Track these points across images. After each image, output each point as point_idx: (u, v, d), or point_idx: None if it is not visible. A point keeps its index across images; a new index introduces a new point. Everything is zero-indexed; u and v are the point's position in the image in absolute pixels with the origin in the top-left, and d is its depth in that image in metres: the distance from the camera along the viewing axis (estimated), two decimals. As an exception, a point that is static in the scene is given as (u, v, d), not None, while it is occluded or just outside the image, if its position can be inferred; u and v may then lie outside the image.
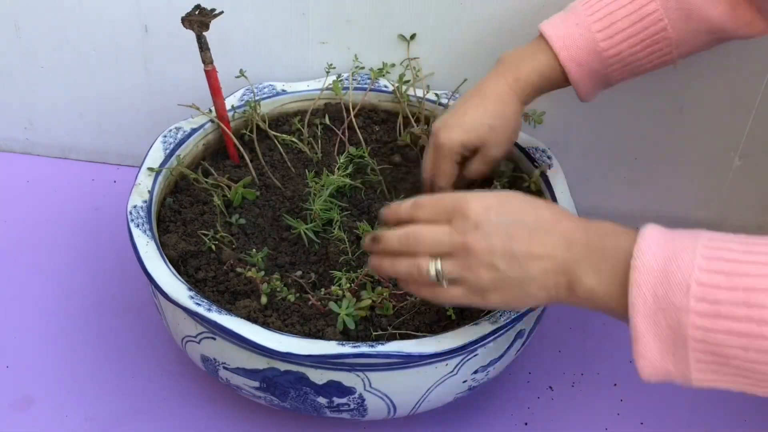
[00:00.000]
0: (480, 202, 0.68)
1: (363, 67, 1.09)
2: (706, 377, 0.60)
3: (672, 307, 0.58)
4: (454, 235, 0.68)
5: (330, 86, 1.06)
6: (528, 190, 0.96)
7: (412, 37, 1.07)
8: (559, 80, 0.88)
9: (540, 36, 0.88)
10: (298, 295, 0.82)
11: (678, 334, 0.59)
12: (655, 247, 0.60)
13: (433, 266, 0.68)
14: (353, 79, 1.07)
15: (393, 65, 1.08)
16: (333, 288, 0.81)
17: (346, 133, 1.03)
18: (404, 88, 1.06)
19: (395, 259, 0.71)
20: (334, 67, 1.07)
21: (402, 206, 0.73)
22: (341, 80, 1.06)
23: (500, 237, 0.66)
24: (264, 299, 0.81)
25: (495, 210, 0.67)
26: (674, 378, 0.61)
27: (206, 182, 0.94)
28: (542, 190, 0.95)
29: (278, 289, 0.81)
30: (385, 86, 1.07)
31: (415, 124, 1.04)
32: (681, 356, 0.59)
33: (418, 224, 0.70)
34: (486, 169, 0.90)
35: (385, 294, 0.81)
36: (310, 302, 0.81)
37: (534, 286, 0.67)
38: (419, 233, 0.69)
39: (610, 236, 0.65)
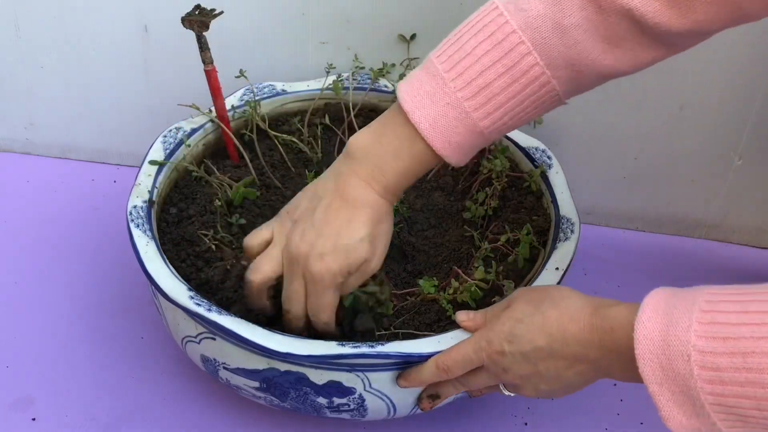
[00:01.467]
0: (493, 349, 0.72)
1: (363, 67, 1.09)
2: (737, 431, 0.60)
3: (679, 375, 0.59)
4: (494, 378, 0.75)
5: (330, 86, 1.06)
6: (528, 190, 0.96)
7: (412, 37, 1.07)
8: (431, 165, 0.74)
9: (400, 110, 0.72)
10: None
11: (694, 399, 0.59)
12: (654, 318, 0.61)
13: (505, 391, 0.78)
14: (353, 79, 1.07)
15: (393, 65, 1.08)
16: None
17: (346, 133, 1.03)
18: None
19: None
20: (334, 67, 1.07)
21: (425, 373, 0.76)
22: (341, 80, 1.06)
23: (527, 368, 0.71)
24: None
25: (508, 348, 0.71)
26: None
27: (210, 180, 0.94)
28: (542, 190, 0.95)
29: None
30: (386, 86, 1.07)
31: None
32: (705, 417, 0.60)
33: (454, 379, 0.77)
34: (362, 280, 0.77)
35: (385, 297, 0.81)
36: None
37: (578, 384, 0.72)
38: (468, 383, 0.77)
39: (617, 328, 0.66)
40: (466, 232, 0.92)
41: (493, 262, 0.86)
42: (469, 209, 0.95)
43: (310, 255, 0.73)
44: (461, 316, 0.78)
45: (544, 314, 0.70)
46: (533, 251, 0.88)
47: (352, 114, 1.04)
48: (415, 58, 1.08)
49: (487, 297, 0.84)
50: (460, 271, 0.82)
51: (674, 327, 0.60)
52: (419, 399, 0.80)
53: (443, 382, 0.78)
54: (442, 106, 0.70)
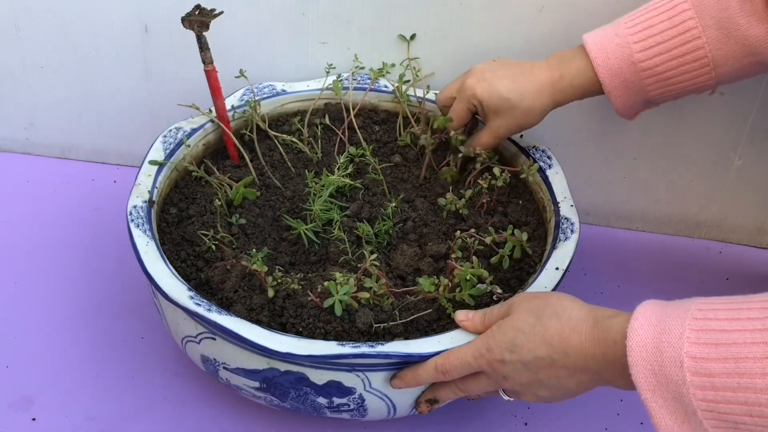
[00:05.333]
0: (494, 357, 0.73)
1: (363, 67, 1.09)
2: None
3: (671, 381, 0.60)
4: (493, 384, 0.76)
5: (330, 86, 1.06)
6: (521, 187, 0.96)
7: (412, 37, 1.07)
8: (595, 88, 0.90)
9: (582, 45, 0.90)
10: (300, 286, 0.82)
11: (686, 406, 0.60)
12: (646, 326, 0.63)
13: (505, 396, 0.78)
14: (353, 79, 1.07)
15: (393, 65, 1.08)
16: (337, 275, 0.80)
17: (346, 133, 1.03)
18: (404, 88, 1.06)
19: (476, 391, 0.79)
20: (334, 67, 1.07)
21: (422, 374, 0.76)
22: (341, 80, 1.06)
23: (527, 376, 0.72)
24: (271, 292, 0.81)
25: (509, 357, 0.72)
26: None
27: (210, 180, 0.94)
28: (536, 183, 0.95)
29: (279, 281, 0.81)
30: (385, 86, 1.07)
31: (415, 124, 1.04)
32: (697, 424, 0.60)
33: (452, 384, 0.78)
34: (490, 142, 0.95)
35: (381, 293, 0.81)
36: (309, 298, 0.81)
37: (578, 391, 0.72)
38: (468, 388, 0.77)
39: (620, 341, 0.65)
40: (463, 228, 0.92)
41: (474, 258, 0.85)
42: (446, 200, 0.94)
43: (475, 74, 0.93)
44: (460, 315, 0.78)
45: (545, 325, 0.70)
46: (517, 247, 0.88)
47: (352, 114, 1.04)
48: (415, 58, 1.08)
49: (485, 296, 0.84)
50: (456, 264, 0.81)
51: (667, 334, 0.61)
52: (417, 403, 0.80)
53: (442, 387, 0.78)
54: (611, 35, 0.87)
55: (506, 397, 0.77)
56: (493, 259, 0.86)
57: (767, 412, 0.57)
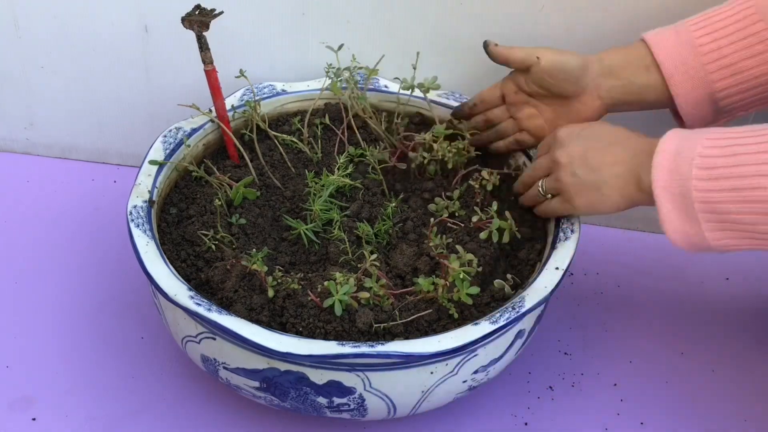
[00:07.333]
0: (566, 129, 0.86)
1: (363, 67, 1.09)
2: (717, 236, 0.74)
3: (680, 176, 0.73)
4: (549, 157, 0.87)
5: (330, 86, 1.06)
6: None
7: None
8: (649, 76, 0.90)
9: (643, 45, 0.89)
10: (300, 285, 0.82)
11: (686, 198, 0.73)
12: (673, 136, 0.76)
13: (540, 184, 0.88)
14: (352, 79, 1.07)
15: (377, 69, 1.07)
16: (337, 275, 0.80)
17: (346, 133, 1.03)
18: (399, 87, 1.06)
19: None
20: (335, 67, 1.07)
21: (530, 198, 0.91)
22: (340, 80, 1.06)
23: (578, 149, 0.83)
24: (271, 292, 0.81)
25: (577, 132, 0.85)
26: (694, 240, 0.75)
27: (210, 180, 0.94)
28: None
29: (279, 281, 0.81)
30: (385, 86, 1.07)
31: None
32: (693, 217, 0.73)
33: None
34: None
35: (381, 293, 0.81)
36: (309, 297, 0.81)
37: (607, 188, 0.81)
38: (537, 165, 0.90)
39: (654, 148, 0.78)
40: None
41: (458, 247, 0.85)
42: (436, 206, 0.94)
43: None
44: (528, 202, 0.90)
45: (613, 132, 0.85)
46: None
47: (351, 114, 1.04)
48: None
49: (483, 292, 0.84)
50: (446, 263, 0.81)
51: (687, 141, 0.74)
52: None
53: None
54: (672, 32, 0.87)
55: (549, 197, 0.87)
56: (482, 234, 0.87)
57: (749, 197, 0.70)
